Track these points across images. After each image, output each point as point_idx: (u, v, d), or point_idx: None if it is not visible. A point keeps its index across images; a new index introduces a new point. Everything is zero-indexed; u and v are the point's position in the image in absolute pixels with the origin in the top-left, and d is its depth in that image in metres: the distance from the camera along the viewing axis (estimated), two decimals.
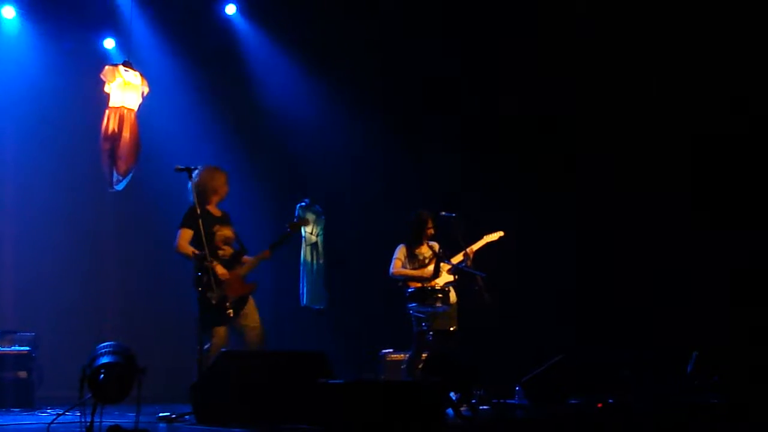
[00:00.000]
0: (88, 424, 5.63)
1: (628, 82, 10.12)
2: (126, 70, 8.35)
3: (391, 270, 8.56)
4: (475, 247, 8.63)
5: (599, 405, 7.89)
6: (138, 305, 10.45)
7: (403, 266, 8.55)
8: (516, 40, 10.38)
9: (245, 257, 7.70)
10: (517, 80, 10.44)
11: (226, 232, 7.67)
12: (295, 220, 8.28)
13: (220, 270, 7.37)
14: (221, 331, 7.38)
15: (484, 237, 8.70)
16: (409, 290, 8.34)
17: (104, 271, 10.55)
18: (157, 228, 10.55)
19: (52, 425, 6.08)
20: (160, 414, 7.03)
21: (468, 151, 10.62)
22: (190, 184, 7.34)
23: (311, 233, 9.39)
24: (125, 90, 8.27)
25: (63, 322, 9.82)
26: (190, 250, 7.39)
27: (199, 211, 7.24)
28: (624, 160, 10.17)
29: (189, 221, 7.44)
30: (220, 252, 7.55)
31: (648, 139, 10.09)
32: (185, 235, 7.45)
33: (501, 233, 8.76)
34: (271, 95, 11.27)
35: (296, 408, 6.33)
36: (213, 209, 7.71)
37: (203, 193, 7.53)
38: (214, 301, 7.25)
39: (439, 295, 8.22)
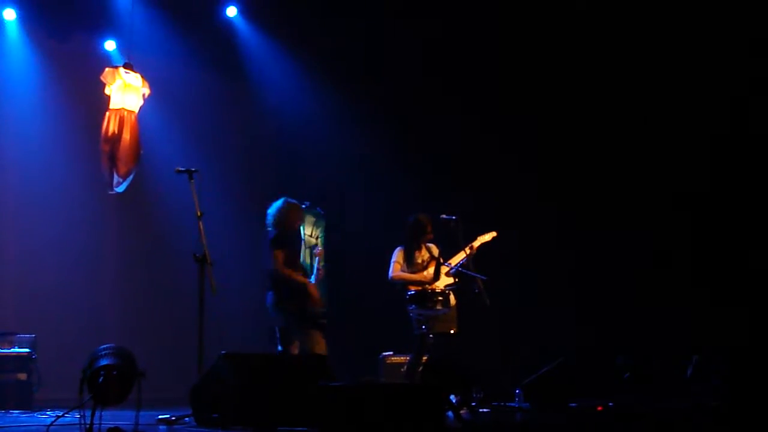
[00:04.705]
0: (88, 426, 5.63)
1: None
2: (127, 72, 8.35)
3: (390, 274, 8.54)
4: (474, 245, 8.61)
5: (599, 408, 7.89)
6: (138, 307, 10.44)
7: (402, 270, 8.53)
8: (515, 41, 10.42)
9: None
10: (517, 81, 10.47)
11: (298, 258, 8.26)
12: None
13: (312, 287, 7.90)
14: (317, 336, 7.90)
15: (478, 238, 8.67)
16: (409, 293, 8.32)
17: (104, 273, 10.53)
18: (157, 230, 10.57)
19: (51, 427, 6.08)
20: (160, 416, 7.03)
21: (468, 151, 10.63)
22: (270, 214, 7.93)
23: (311, 235, 9.40)
24: (125, 92, 8.27)
25: (63, 324, 9.80)
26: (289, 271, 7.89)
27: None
28: (627, 160, 10.22)
29: (281, 244, 7.94)
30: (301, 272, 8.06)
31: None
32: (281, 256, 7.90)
33: (494, 234, 8.73)
34: (271, 97, 11.27)
35: (296, 411, 6.33)
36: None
37: (285, 224, 8.00)
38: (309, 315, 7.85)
39: (439, 298, 8.20)
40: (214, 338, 7.73)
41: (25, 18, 10.04)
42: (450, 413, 6.86)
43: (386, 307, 8.98)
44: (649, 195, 10.20)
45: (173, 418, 6.97)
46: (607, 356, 9.29)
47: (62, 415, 6.50)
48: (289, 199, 8.14)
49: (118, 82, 8.28)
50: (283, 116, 11.28)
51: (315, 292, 7.97)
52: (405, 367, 8.63)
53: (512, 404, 8.40)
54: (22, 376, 8.66)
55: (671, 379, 8.88)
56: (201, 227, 7.25)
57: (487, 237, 8.71)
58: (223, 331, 8.79)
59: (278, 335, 7.95)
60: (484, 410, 7.89)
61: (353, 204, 10.57)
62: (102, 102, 8.41)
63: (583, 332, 9.71)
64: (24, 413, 8.08)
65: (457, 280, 8.43)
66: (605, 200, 10.17)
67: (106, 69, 8.40)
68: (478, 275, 8.27)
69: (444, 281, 8.47)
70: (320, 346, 7.90)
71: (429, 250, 8.59)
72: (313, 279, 8.16)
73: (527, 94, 10.41)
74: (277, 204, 8.08)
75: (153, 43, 10.01)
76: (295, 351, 7.90)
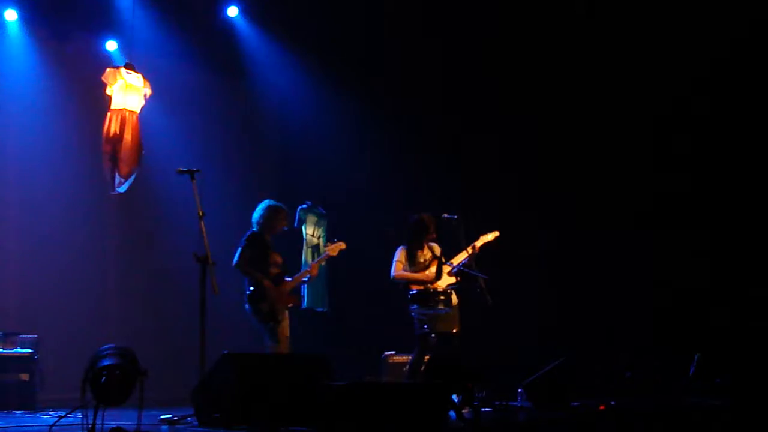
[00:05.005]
0: (90, 426, 5.63)
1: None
2: (128, 73, 8.34)
3: (392, 273, 8.54)
4: (476, 245, 8.61)
5: (601, 407, 7.89)
6: (140, 307, 10.44)
7: (404, 269, 8.53)
8: (515, 41, 10.43)
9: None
10: (518, 81, 10.47)
11: (276, 257, 8.22)
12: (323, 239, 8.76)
13: (267, 284, 8.01)
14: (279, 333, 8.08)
15: (481, 237, 8.67)
16: (411, 292, 8.32)
17: (106, 273, 10.53)
18: (159, 230, 10.57)
19: (54, 427, 6.09)
20: (162, 416, 7.03)
21: (469, 152, 10.64)
22: (256, 217, 8.16)
23: (313, 235, 9.41)
24: (127, 92, 8.26)
25: (65, 325, 9.80)
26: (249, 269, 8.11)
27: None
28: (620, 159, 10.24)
29: (251, 243, 8.09)
30: (272, 271, 8.13)
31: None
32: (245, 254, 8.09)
33: (497, 233, 8.73)
34: (273, 97, 11.29)
35: (298, 410, 6.33)
36: (269, 237, 8.25)
37: (265, 227, 8.18)
38: (264, 311, 7.97)
39: (441, 297, 8.20)
40: (216, 338, 7.74)
41: (26, 19, 10.04)
42: (452, 413, 6.87)
43: (388, 307, 8.99)
44: (650, 194, 10.20)
45: (175, 418, 6.98)
46: (608, 356, 9.30)
47: (65, 416, 6.52)
48: (273, 203, 8.29)
49: (119, 82, 8.27)
50: (284, 116, 11.28)
51: (274, 290, 8.05)
52: (407, 366, 8.64)
53: (514, 403, 8.40)
54: (25, 377, 8.66)
55: (673, 378, 8.88)
56: (203, 227, 7.26)
57: (490, 236, 8.70)
58: (225, 330, 8.79)
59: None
60: (487, 410, 7.89)
61: (355, 203, 10.56)
62: (103, 102, 8.40)
63: (583, 331, 9.70)
64: (27, 414, 8.10)
65: (458, 279, 8.43)
66: (606, 200, 10.17)
67: (108, 69, 8.39)
68: (480, 274, 8.27)
69: (446, 281, 8.46)
70: (283, 344, 8.04)
71: (431, 249, 8.59)
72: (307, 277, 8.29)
73: (527, 94, 10.41)
74: (261, 206, 8.26)
75: (154, 44, 10.01)
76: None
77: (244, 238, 8.15)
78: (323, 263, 8.80)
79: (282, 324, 8.12)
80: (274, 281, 8.14)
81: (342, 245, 8.57)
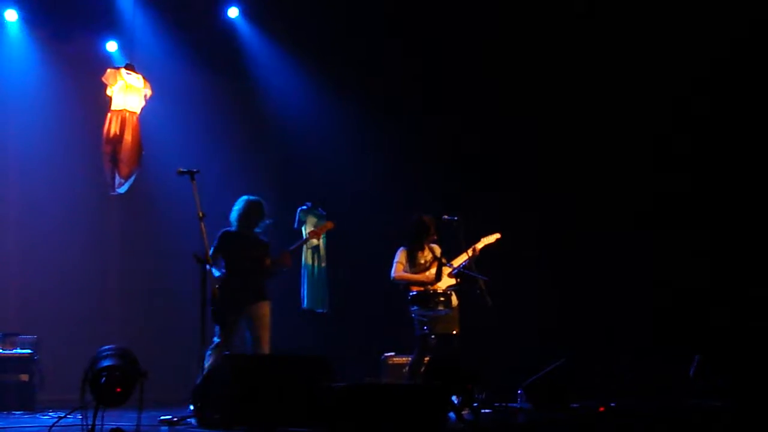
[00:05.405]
0: (90, 427, 5.64)
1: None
2: (128, 73, 8.34)
3: (393, 274, 8.53)
4: (477, 247, 8.61)
5: (601, 408, 7.89)
6: (140, 308, 10.45)
7: (404, 270, 8.52)
8: (516, 41, 10.42)
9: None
10: (518, 81, 10.47)
11: (252, 252, 7.98)
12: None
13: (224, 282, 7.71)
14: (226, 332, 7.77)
15: (482, 239, 8.67)
16: (411, 294, 8.32)
17: (106, 273, 10.55)
18: (159, 231, 10.57)
19: (53, 428, 6.09)
20: (162, 417, 7.04)
21: (469, 152, 10.64)
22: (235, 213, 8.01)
23: None
24: (127, 93, 8.26)
25: (65, 325, 9.82)
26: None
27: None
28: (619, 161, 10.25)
29: (220, 240, 7.97)
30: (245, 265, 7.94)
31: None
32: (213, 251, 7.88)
33: (498, 235, 8.73)
34: (273, 98, 11.27)
35: (298, 412, 6.33)
36: (246, 232, 8.05)
37: (241, 222, 8.02)
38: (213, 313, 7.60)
39: (441, 299, 8.20)
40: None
41: (27, 19, 10.04)
42: (452, 414, 6.87)
43: (388, 308, 8.98)
44: (650, 194, 10.21)
45: (175, 419, 6.98)
46: (608, 357, 9.29)
47: (64, 416, 6.53)
48: (248, 197, 8.14)
49: (119, 83, 8.27)
50: (285, 117, 11.27)
51: (234, 290, 7.74)
52: (407, 367, 8.64)
53: (514, 405, 8.40)
54: (24, 377, 8.67)
55: (674, 379, 8.88)
56: (203, 228, 7.26)
57: (491, 239, 8.70)
58: None
59: None
60: (486, 411, 7.89)
61: (355, 204, 10.55)
62: (104, 103, 8.41)
63: (584, 332, 9.70)
64: (26, 414, 8.09)
65: (458, 281, 8.42)
66: (606, 200, 10.17)
67: (108, 70, 8.39)
68: (480, 276, 8.27)
69: (446, 282, 8.46)
70: (226, 344, 7.72)
71: (432, 250, 8.59)
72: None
73: (527, 94, 10.40)
74: (236, 203, 8.10)
75: (155, 44, 10.02)
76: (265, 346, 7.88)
77: (216, 237, 7.99)
78: (318, 244, 8.77)
79: (231, 329, 7.72)
80: (239, 277, 7.87)
81: (329, 225, 8.49)
